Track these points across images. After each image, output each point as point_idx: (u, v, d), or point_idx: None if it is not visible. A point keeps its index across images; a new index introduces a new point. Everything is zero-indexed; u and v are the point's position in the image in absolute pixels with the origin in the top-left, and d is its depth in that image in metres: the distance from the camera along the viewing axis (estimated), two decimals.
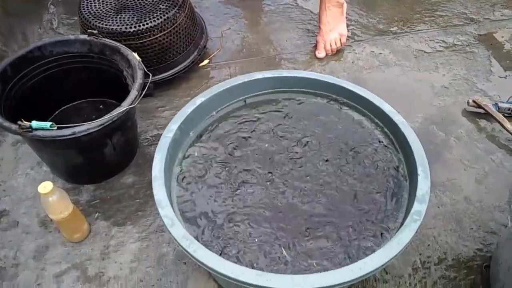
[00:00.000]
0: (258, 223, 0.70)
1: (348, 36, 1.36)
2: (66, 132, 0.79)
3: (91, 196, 0.98)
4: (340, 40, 1.31)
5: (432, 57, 1.33)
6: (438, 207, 0.96)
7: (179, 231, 0.61)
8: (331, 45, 1.30)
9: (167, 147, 0.73)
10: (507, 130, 1.09)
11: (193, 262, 0.82)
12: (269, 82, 0.87)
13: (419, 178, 0.68)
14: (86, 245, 0.90)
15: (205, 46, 1.28)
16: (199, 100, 0.81)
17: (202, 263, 0.58)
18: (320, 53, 1.32)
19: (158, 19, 1.09)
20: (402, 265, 0.86)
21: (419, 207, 0.64)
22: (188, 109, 0.80)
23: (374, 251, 0.62)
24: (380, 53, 1.35)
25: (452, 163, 1.05)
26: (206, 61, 1.31)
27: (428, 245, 0.89)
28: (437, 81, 1.26)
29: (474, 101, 1.16)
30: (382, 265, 0.58)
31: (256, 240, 0.68)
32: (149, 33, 1.09)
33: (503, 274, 0.75)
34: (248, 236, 0.68)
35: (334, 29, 1.29)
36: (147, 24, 1.08)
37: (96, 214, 0.95)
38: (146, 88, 0.90)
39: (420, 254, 0.88)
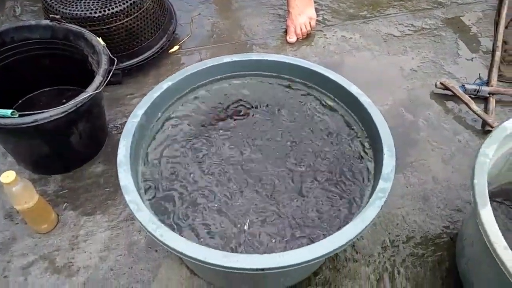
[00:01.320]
0: (229, 198, 0.71)
1: (319, 21, 1.37)
2: (28, 119, 0.77)
3: (59, 186, 0.96)
4: (310, 23, 1.31)
5: (401, 41, 1.35)
6: (407, 187, 0.98)
7: (145, 215, 0.60)
8: (301, 29, 1.30)
9: (133, 133, 0.72)
10: (473, 111, 1.11)
11: (165, 249, 0.82)
12: (236, 65, 0.86)
13: (385, 157, 0.69)
14: (54, 235, 0.88)
15: (174, 32, 1.26)
16: (166, 84, 0.79)
17: (169, 247, 0.58)
18: (291, 38, 1.32)
19: (123, 3, 1.06)
20: (371, 245, 0.88)
21: (384, 185, 0.65)
22: (154, 93, 0.78)
23: (339, 229, 0.63)
24: (351, 38, 1.35)
25: (420, 144, 1.07)
26: (176, 47, 1.29)
27: (397, 224, 0.91)
28: (406, 65, 1.27)
29: (441, 83, 1.18)
30: (348, 242, 0.58)
31: (222, 221, 0.68)
32: (115, 18, 1.06)
33: (468, 250, 0.78)
34: (218, 214, 0.69)
35: (303, 13, 1.29)
36: (113, 9, 1.05)
37: (64, 204, 0.93)
38: (113, 75, 0.88)
39: (389, 233, 0.90)
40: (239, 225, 0.70)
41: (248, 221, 0.71)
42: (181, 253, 0.57)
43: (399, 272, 0.84)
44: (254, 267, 0.55)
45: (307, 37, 1.34)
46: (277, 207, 0.73)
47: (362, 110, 0.78)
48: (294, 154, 0.81)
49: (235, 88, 0.88)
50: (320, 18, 1.39)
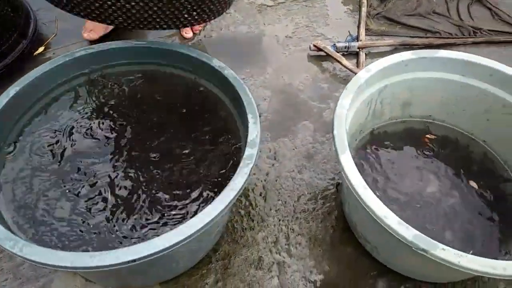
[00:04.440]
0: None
1: None
2: None
3: None
4: None
5: (275, 10, 1.38)
6: (293, 149, 1.02)
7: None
8: None
9: None
10: (345, 67, 1.18)
11: None
12: (94, 57, 0.82)
13: (249, 124, 0.70)
14: None
15: (35, 33, 1.17)
16: (12, 90, 0.73)
17: (32, 261, 0.54)
18: (188, 33, 1.27)
19: None
20: (266, 210, 0.91)
21: (251, 151, 0.67)
22: (2, 100, 0.72)
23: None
24: (227, 13, 1.35)
25: (301, 106, 1.11)
26: (41, 49, 1.20)
27: (288, 185, 0.95)
28: (282, 32, 1.31)
29: (314, 46, 1.23)
30: (220, 213, 0.59)
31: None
32: None
33: (347, 194, 0.83)
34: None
35: None
36: None
37: None
38: None
39: (281, 196, 0.93)
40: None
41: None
42: (46, 264, 0.54)
43: (293, 230, 0.88)
44: (123, 260, 0.54)
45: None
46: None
47: (227, 82, 0.79)
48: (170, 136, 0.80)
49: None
50: None
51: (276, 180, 0.96)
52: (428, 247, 0.58)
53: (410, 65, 0.85)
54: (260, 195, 0.93)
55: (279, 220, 0.89)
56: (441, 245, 0.58)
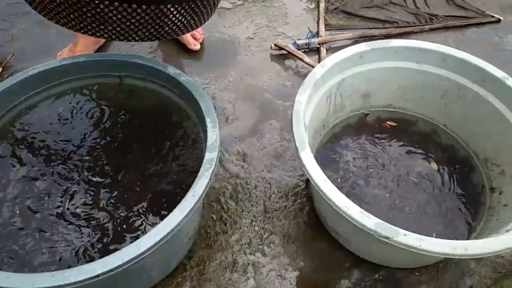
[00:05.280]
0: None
1: None
2: None
3: None
4: None
5: (234, 12, 1.38)
6: (262, 149, 1.02)
7: None
8: (198, 31, 1.26)
9: None
10: (307, 63, 1.20)
11: None
12: (48, 73, 0.81)
13: (208, 129, 0.70)
14: None
15: None
16: None
17: None
18: (196, 46, 1.24)
19: None
20: (238, 213, 0.91)
21: (210, 156, 0.67)
22: None
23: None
24: None
25: (267, 106, 1.12)
26: None
27: (258, 186, 0.95)
28: (242, 34, 1.31)
29: (275, 45, 1.24)
30: (182, 221, 0.59)
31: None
32: None
33: (313, 188, 0.84)
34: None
35: None
36: None
37: None
38: None
39: (252, 197, 0.93)
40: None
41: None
42: None
43: (266, 230, 0.88)
44: (88, 276, 0.53)
45: None
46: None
47: (184, 89, 0.78)
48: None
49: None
50: None
51: (246, 182, 0.96)
52: (390, 234, 0.59)
53: (365, 57, 0.86)
54: (231, 198, 0.93)
55: (252, 221, 0.89)
56: (402, 231, 0.60)
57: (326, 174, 0.66)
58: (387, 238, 0.59)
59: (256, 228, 0.88)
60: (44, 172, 0.77)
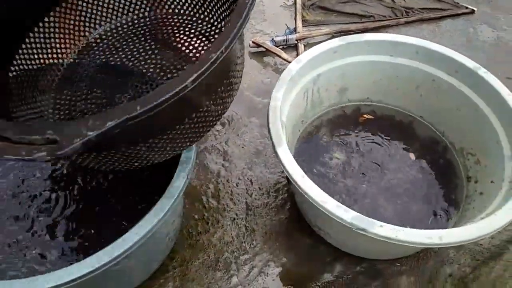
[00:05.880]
0: None
1: None
2: None
3: None
4: None
5: None
6: (242, 147, 1.03)
7: None
8: None
9: None
10: (285, 60, 1.20)
11: None
12: None
13: None
14: None
15: None
16: None
17: None
18: None
19: None
20: (220, 212, 0.91)
21: (188, 154, 0.67)
22: None
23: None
24: None
25: (247, 103, 1.12)
26: None
27: (239, 185, 0.95)
28: None
29: (253, 42, 1.24)
30: (156, 224, 0.59)
31: None
32: None
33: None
34: None
35: None
36: None
37: None
38: None
39: (233, 195, 0.93)
40: None
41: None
42: None
43: (248, 227, 0.88)
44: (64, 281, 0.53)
45: None
46: None
47: None
48: None
49: None
50: None
51: (227, 180, 0.96)
52: (366, 226, 0.60)
53: (339, 52, 0.87)
54: (213, 197, 0.93)
55: (234, 219, 0.90)
56: (378, 223, 0.60)
57: (306, 169, 0.67)
58: (364, 230, 0.60)
59: (239, 226, 0.88)
60: None
